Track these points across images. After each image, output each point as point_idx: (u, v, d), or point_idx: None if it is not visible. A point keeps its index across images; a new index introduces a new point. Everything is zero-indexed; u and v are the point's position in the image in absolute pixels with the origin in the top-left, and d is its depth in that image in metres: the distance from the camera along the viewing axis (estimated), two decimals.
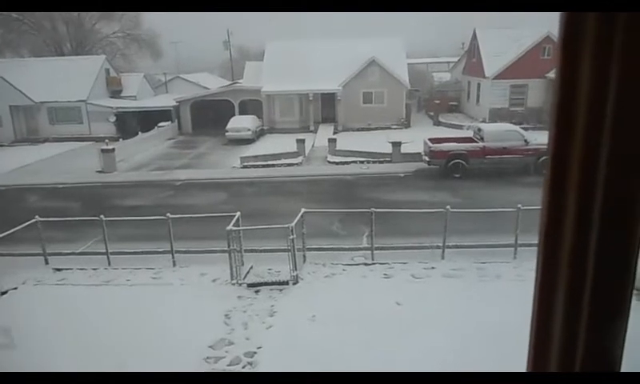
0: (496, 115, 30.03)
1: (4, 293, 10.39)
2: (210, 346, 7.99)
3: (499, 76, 30.33)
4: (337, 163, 23.27)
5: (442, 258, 11.34)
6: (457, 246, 11.90)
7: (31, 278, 11.06)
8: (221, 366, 7.49)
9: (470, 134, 22.04)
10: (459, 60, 40.83)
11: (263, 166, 23.40)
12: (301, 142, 24.79)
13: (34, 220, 11.80)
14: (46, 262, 12.00)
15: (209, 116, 35.70)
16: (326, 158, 24.22)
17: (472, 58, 34.93)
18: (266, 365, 7.44)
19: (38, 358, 7.75)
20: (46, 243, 12.09)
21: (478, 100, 33.36)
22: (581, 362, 0.88)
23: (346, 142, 26.13)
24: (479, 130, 20.47)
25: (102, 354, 7.75)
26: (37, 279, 11.06)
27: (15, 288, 10.57)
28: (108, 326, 8.65)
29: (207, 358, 7.69)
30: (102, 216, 11.80)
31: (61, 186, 21.69)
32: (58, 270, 11.66)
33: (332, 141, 24.98)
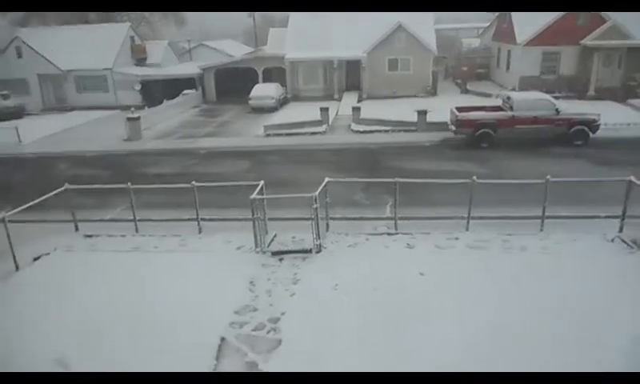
0: (526, 83, 29.04)
1: (37, 258, 10.74)
2: (235, 312, 8.14)
3: (531, 42, 29.15)
4: (361, 132, 23.01)
5: (467, 229, 11.18)
6: (482, 218, 11.68)
7: (62, 244, 11.38)
8: (246, 331, 7.63)
9: (498, 102, 21.48)
10: (489, 25, 39.37)
11: (287, 135, 23.33)
12: (324, 110, 24.54)
13: (63, 188, 12.05)
14: (76, 229, 12.32)
15: (232, 84, 35.62)
16: (350, 126, 23.95)
17: (502, 24, 33.65)
18: (288, 331, 7.55)
19: (77, 319, 8.05)
20: (76, 210, 12.37)
21: (507, 67, 32.26)
22: None
23: (370, 110, 25.75)
24: (508, 98, 19.87)
25: (134, 317, 8.00)
26: (68, 245, 11.37)
27: (48, 254, 10.90)
28: (138, 291, 8.88)
29: (232, 323, 7.84)
30: (129, 184, 11.98)
31: (88, 154, 22.13)
32: (88, 236, 11.96)
33: (356, 109, 24.62)
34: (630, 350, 6.64)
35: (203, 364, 6.87)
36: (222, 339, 7.46)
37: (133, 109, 26.52)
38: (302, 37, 32.62)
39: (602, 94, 27.37)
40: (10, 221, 10.29)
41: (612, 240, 10.28)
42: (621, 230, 10.58)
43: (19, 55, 35.06)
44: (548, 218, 11.01)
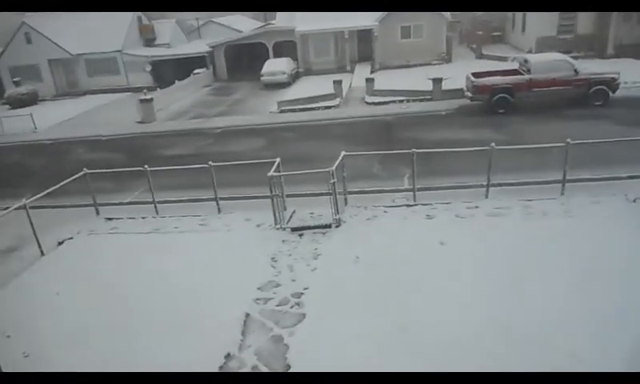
0: (543, 44, 28.19)
1: (61, 243, 10.94)
2: (258, 288, 8.23)
3: None
4: (375, 104, 22.71)
5: (486, 196, 11.07)
6: (502, 184, 11.58)
7: (85, 228, 11.57)
8: (270, 307, 7.73)
9: (515, 65, 20.96)
10: None
11: (301, 110, 23.15)
12: (338, 83, 24.26)
13: (82, 173, 12.19)
14: (97, 213, 12.50)
15: (243, 60, 35.33)
16: (364, 98, 23.66)
17: None
18: (312, 305, 7.62)
19: (106, 300, 8.24)
20: (96, 194, 12.52)
21: (523, 29, 31.35)
22: None
23: (384, 80, 25.38)
24: (525, 61, 19.38)
25: (159, 296, 8.17)
26: (90, 229, 11.56)
27: (71, 238, 11.10)
28: (162, 271, 9.02)
29: (257, 299, 7.94)
30: (146, 166, 12.06)
31: (104, 137, 22.29)
32: (109, 219, 12.14)
33: (370, 80, 24.28)
34: None
35: (230, 340, 6.98)
36: (247, 315, 7.57)
37: (145, 90, 26.53)
38: None
39: (622, 52, 26.52)
40: (31, 207, 10.47)
41: (634, 201, 10.09)
42: None
43: (28, 41, 35.08)
44: (569, 181, 10.83)
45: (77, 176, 12.14)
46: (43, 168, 18.35)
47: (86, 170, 12.21)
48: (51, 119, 26.71)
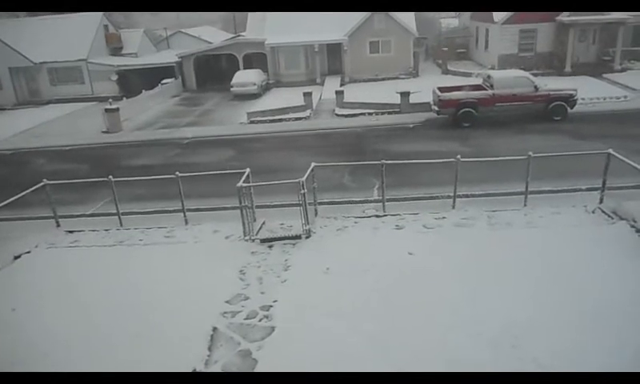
0: (505, 61, 29.24)
1: (18, 257, 10.40)
2: (226, 301, 8.08)
3: (508, 21, 29.28)
4: (345, 116, 22.93)
5: (453, 207, 11.27)
6: (467, 195, 11.85)
7: (44, 241, 11.09)
8: (238, 320, 7.59)
9: (479, 81, 21.57)
10: None
11: (271, 121, 23.12)
12: (308, 95, 24.37)
13: (42, 183, 11.75)
14: (58, 225, 12.03)
15: (213, 71, 35.07)
16: (334, 110, 23.85)
17: None
18: (281, 318, 7.53)
19: (63, 318, 7.91)
20: (56, 206, 12.06)
21: (486, 46, 32.39)
22: None
23: (353, 93, 25.67)
24: (488, 77, 20.00)
25: (122, 312, 7.89)
26: (49, 242, 11.09)
27: (28, 252, 10.57)
28: (126, 285, 8.76)
29: (224, 312, 7.79)
30: (110, 177, 11.74)
31: (67, 148, 21.64)
32: (70, 232, 11.69)
33: (339, 93, 24.51)
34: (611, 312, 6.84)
35: (196, 355, 6.81)
36: (215, 329, 7.41)
37: (110, 100, 25.96)
38: (282, 21, 32.18)
39: (578, 70, 27.72)
40: None
41: (593, 212, 10.47)
42: (601, 201, 10.77)
43: None
44: (531, 192, 11.16)
45: (36, 187, 11.68)
46: (1, 179, 17.62)
47: (45, 181, 11.78)
48: (11, 128, 25.77)
